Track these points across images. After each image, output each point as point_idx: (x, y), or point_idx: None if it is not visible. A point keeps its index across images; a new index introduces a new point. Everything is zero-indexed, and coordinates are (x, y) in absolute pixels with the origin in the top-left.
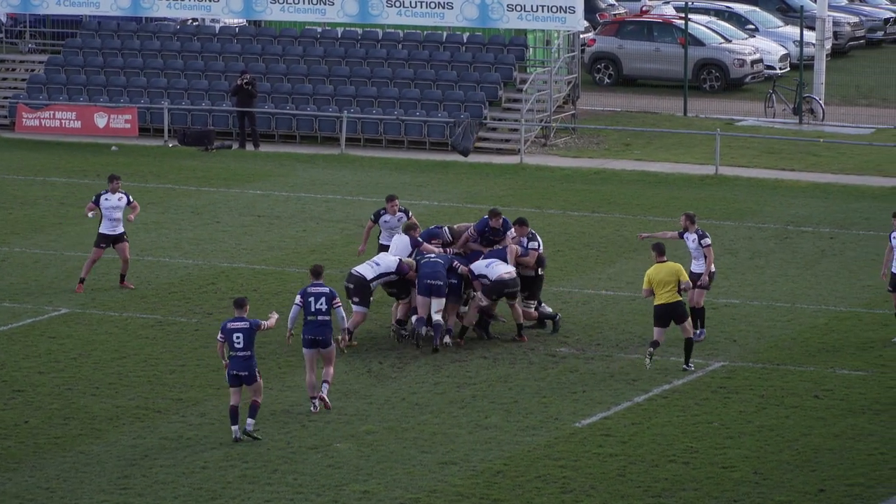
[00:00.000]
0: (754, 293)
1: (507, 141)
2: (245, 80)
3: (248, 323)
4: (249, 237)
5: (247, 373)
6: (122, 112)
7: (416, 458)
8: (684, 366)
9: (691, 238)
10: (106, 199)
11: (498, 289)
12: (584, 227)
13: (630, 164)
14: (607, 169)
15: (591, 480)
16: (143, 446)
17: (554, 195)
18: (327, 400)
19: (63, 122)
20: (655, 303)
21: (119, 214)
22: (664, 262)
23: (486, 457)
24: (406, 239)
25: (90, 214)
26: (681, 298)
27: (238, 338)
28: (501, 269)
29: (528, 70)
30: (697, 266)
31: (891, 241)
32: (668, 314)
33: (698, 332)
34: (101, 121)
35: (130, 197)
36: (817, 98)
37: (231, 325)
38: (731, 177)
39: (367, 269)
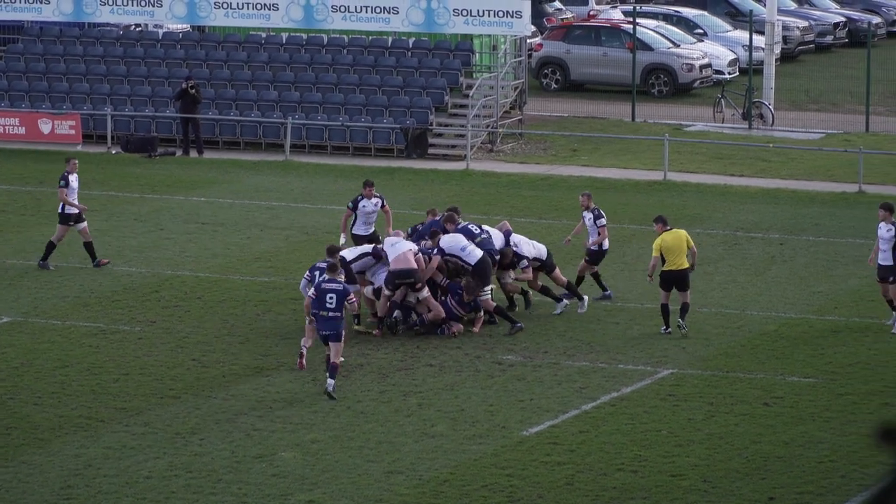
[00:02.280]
0: (703, 300)
1: (454, 147)
2: (190, 84)
3: (342, 286)
4: (193, 245)
5: (334, 332)
6: (66, 118)
7: (362, 468)
8: (679, 320)
9: (588, 217)
10: (363, 205)
11: (390, 278)
12: (531, 234)
13: (577, 170)
14: (554, 175)
15: (539, 489)
16: (86, 456)
17: (500, 201)
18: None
19: (6, 128)
20: (665, 268)
21: (374, 218)
22: (670, 230)
23: (432, 466)
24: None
25: (343, 239)
26: (688, 266)
27: (331, 298)
28: (399, 251)
29: (474, 75)
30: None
31: (878, 231)
32: (674, 280)
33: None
34: (45, 127)
35: (385, 201)
36: (767, 103)
37: (326, 286)
38: (679, 182)
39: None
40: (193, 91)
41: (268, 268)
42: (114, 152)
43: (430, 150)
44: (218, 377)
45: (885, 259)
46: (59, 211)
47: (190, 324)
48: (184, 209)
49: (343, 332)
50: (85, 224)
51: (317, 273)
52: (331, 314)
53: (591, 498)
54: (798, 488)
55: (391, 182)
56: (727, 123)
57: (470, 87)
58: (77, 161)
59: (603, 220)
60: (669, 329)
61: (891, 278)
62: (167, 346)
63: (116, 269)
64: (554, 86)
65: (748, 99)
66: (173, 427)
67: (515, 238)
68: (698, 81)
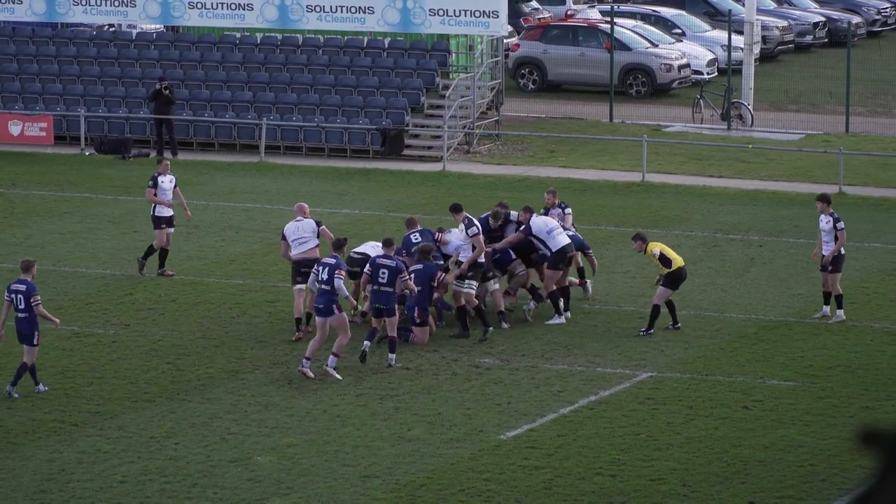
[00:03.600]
0: (682, 302)
1: (430, 148)
2: (164, 85)
3: (394, 262)
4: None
5: (388, 306)
6: (38, 120)
7: (338, 472)
8: (678, 324)
9: (556, 212)
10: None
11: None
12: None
13: (555, 172)
14: (532, 176)
15: (517, 494)
16: (59, 460)
17: (477, 203)
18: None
19: None
20: (674, 268)
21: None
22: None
23: (408, 470)
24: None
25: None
26: None
27: (384, 273)
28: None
29: (450, 76)
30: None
31: (819, 224)
32: (684, 277)
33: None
34: (15, 129)
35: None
36: (746, 103)
37: (380, 261)
38: (657, 184)
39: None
40: (167, 92)
41: (242, 270)
42: (87, 154)
43: (407, 152)
44: (193, 381)
45: (827, 250)
46: (151, 214)
47: (164, 327)
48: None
49: (396, 307)
50: (172, 230)
51: (320, 268)
52: (383, 288)
53: (569, 502)
54: (778, 492)
55: (366, 184)
56: (706, 124)
57: (446, 87)
58: (168, 163)
59: (569, 209)
60: (652, 331)
61: (829, 267)
62: (141, 350)
63: (90, 271)
64: (531, 86)
65: (727, 99)
66: (148, 431)
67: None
68: (677, 82)
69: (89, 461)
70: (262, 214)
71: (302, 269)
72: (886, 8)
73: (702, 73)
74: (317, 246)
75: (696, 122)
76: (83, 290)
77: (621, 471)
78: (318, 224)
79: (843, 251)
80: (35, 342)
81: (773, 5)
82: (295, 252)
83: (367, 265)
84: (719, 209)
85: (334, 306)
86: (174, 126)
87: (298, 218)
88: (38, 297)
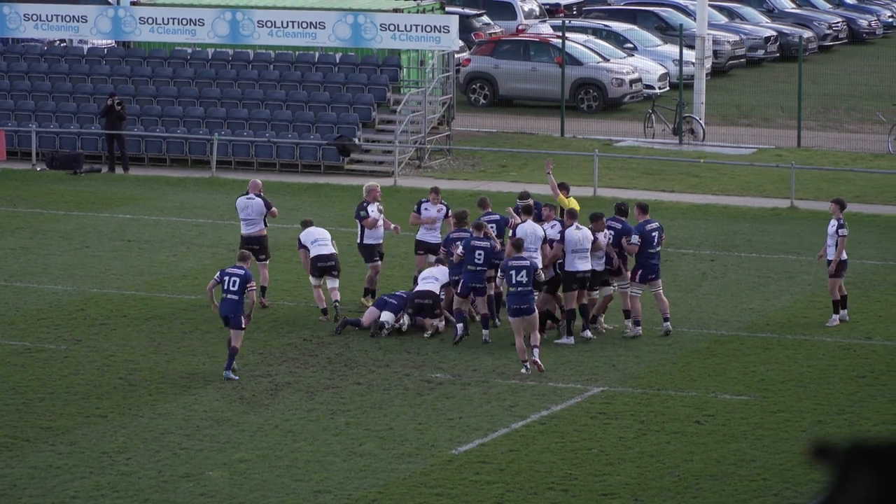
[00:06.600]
0: None
1: (381, 163)
2: (115, 101)
3: (489, 243)
4: (119, 262)
5: (481, 285)
6: None
7: (290, 487)
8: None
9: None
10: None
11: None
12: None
13: (506, 186)
14: (483, 191)
15: None
16: (11, 476)
17: None
18: (539, 363)
19: None
20: None
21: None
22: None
23: (360, 485)
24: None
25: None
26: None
27: (479, 255)
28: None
29: (401, 91)
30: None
31: (828, 227)
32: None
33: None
34: None
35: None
36: (697, 118)
37: (475, 244)
38: (609, 198)
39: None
40: (119, 107)
41: (194, 285)
42: (39, 169)
43: (358, 167)
44: (144, 396)
45: (831, 253)
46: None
47: (116, 342)
48: (109, 226)
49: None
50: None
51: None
52: (479, 268)
53: None
54: None
55: (317, 199)
56: (658, 139)
57: (397, 102)
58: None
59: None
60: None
61: (835, 272)
62: (93, 365)
63: (42, 286)
64: (482, 101)
65: (679, 114)
66: (100, 446)
67: None
68: (628, 96)
69: (41, 476)
70: (214, 230)
71: (245, 246)
72: (837, 23)
73: (653, 88)
74: (264, 228)
75: (647, 137)
76: (34, 306)
77: (573, 486)
78: (269, 206)
79: (845, 256)
80: (243, 326)
81: (724, 20)
82: (244, 230)
83: (461, 247)
84: (671, 223)
85: (536, 304)
86: (125, 141)
87: (251, 196)
88: (254, 285)
